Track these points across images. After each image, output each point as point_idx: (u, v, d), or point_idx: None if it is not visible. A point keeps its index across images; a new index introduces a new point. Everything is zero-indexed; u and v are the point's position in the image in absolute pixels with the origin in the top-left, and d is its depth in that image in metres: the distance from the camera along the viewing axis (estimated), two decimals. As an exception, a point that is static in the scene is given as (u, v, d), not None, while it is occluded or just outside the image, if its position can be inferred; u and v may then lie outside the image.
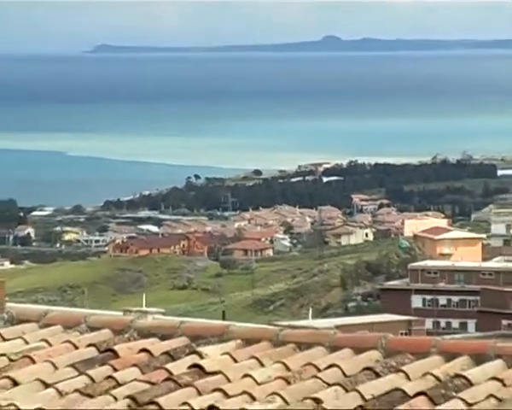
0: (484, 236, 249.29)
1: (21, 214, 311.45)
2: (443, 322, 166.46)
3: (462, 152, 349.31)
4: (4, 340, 17.69)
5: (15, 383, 16.33)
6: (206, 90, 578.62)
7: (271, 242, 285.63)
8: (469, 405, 14.58)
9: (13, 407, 15.45)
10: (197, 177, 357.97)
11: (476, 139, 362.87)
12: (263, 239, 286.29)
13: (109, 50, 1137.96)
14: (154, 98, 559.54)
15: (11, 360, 17.01)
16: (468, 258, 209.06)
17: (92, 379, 16.25)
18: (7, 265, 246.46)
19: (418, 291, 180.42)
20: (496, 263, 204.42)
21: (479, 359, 15.78)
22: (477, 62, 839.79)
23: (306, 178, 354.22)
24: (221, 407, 15.14)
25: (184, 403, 15.25)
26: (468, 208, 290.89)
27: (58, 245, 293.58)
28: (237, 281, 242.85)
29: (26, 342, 17.58)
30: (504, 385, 14.90)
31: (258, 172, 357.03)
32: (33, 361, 16.88)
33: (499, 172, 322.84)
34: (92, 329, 17.81)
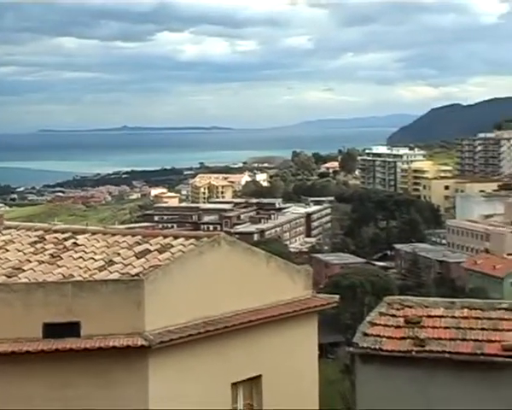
0: (180, 195, 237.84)
1: (12, 190, 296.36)
2: (170, 226, 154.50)
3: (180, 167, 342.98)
4: (3, 235, 17.33)
5: (7, 250, 16.43)
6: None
7: (106, 200, 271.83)
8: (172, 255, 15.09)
9: (6, 260, 15.84)
10: (76, 176, 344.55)
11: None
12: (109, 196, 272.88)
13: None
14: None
15: (6, 243, 16.91)
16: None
17: (36, 248, 16.37)
18: (7, 209, 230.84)
19: (156, 214, 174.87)
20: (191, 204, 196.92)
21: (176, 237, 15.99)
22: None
23: (123, 176, 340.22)
24: (85, 256, 15.48)
25: (70, 256, 15.62)
26: (174, 185, 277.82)
27: (27, 201, 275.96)
28: (93, 213, 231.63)
29: (12, 236, 17.30)
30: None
31: (97, 174, 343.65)
32: (14, 242, 16.92)
33: (185, 173, 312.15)
34: (37, 230, 17.41)
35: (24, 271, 15.17)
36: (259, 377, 14.85)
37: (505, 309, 11.55)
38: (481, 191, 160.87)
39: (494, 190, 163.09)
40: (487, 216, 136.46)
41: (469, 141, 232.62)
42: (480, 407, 10.54)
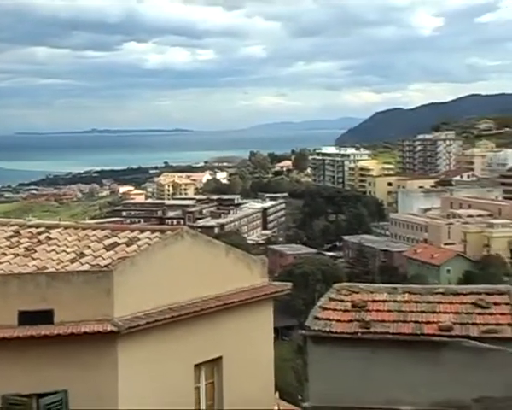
0: (146, 192, 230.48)
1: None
2: (137, 220, 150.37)
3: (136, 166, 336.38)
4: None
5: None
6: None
7: (77, 197, 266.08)
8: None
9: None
10: (50, 175, 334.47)
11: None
12: (80, 194, 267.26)
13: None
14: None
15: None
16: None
17: (12, 242, 16.08)
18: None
19: (124, 210, 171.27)
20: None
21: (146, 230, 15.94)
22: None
23: (93, 174, 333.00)
24: (57, 249, 15.23)
25: (44, 249, 15.40)
26: (141, 183, 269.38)
27: (3, 198, 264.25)
28: (65, 209, 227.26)
29: (-11, 231, 16.98)
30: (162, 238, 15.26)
31: (69, 173, 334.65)
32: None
33: (150, 172, 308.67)
34: (12, 225, 17.04)
35: (0, 263, 14.92)
36: (220, 358, 14.84)
37: (442, 294, 11.67)
38: (420, 187, 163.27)
39: (432, 187, 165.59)
40: (426, 210, 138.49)
41: (410, 142, 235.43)
42: (419, 381, 10.72)
